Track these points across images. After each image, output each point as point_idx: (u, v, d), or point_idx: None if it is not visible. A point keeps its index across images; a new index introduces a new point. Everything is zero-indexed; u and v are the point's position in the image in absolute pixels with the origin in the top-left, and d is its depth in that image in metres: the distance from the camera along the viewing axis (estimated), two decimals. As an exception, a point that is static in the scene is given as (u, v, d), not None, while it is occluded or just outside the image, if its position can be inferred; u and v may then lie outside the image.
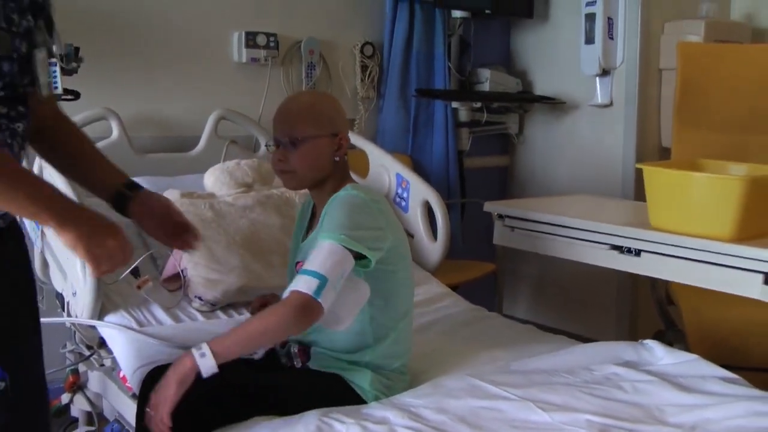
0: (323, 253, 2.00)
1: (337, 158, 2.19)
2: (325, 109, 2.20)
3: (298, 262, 2.22)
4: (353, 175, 2.31)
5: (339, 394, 2.13)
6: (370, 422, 1.95)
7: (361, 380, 2.16)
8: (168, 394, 1.91)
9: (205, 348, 1.92)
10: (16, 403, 1.56)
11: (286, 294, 2.00)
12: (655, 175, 2.51)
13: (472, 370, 2.30)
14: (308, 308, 1.96)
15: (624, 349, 2.45)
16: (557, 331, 2.83)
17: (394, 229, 2.18)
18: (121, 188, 2.02)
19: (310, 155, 2.16)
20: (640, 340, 2.50)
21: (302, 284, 1.96)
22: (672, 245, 2.37)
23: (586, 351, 2.46)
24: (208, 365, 1.90)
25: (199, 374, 1.91)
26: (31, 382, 1.73)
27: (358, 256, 2.05)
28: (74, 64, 2.59)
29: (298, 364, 2.23)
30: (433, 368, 2.36)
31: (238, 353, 1.98)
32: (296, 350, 2.24)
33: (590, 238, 2.58)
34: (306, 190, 2.31)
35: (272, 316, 1.98)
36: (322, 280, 1.95)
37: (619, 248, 2.50)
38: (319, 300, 1.95)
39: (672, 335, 3.28)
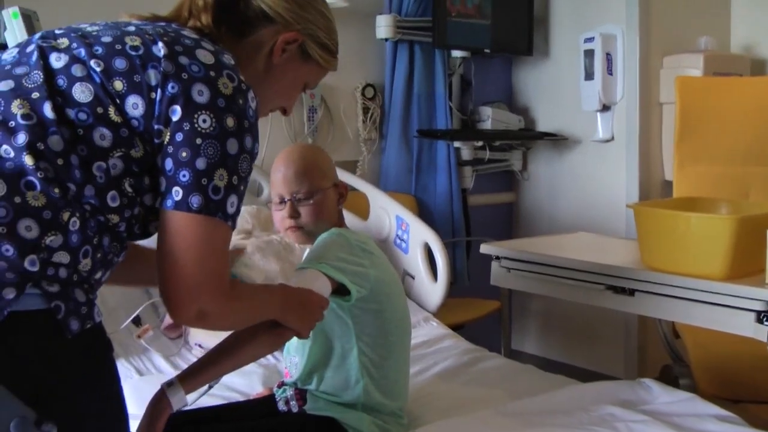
0: (300, 276, 1.98)
1: (340, 206, 2.28)
2: (325, 161, 2.28)
3: None
4: (354, 218, 2.35)
5: (334, 437, 2.14)
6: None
7: (358, 423, 2.16)
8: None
9: (175, 380, 1.82)
10: None
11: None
12: (645, 215, 2.51)
13: (469, 413, 2.31)
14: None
15: (621, 388, 2.45)
16: (566, 366, 2.84)
17: (380, 269, 2.19)
18: None
19: (322, 207, 2.22)
20: (638, 379, 2.50)
21: None
22: (664, 284, 2.37)
23: (584, 391, 2.47)
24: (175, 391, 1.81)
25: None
26: None
27: (337, 291, 2.05)
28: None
29: (294, 408, 2.24)
30: (431, 412, 2.37)
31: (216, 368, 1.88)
32: (293, 394, 2.26)
33: (586, 279, 2.58)
34: None
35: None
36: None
37: (613, 288, 2.50)
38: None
39: (679, 369, 3.26)
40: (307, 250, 2.38)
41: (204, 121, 1.40)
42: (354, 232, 2.23)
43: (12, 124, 1.34)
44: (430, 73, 4.16)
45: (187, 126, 1.40)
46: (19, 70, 1.42)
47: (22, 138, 1.33)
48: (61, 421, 1.33)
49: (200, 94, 1.41)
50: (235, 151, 1.43)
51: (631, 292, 2.46)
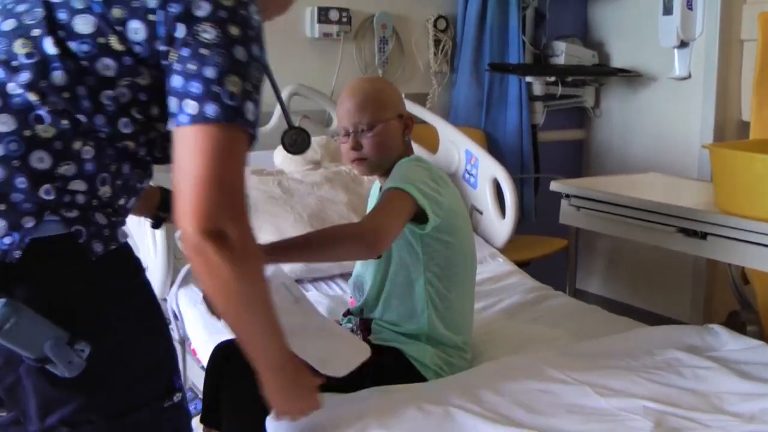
0: (388, 197, 2.06)
1: (407, 138, 2.26)
2: (389, 92, 2.27)
3: None
4: (423, 151, 2.31)
5: (399, 370, 2.15)
6: (427, 402, 1.97)
7: (421, 355, 2.18)
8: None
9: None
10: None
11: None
12: (721, 157, 2.45)
13: (533, 351, 2.30)
14: (377, 245, 2.01)
15: (689, 333, 2.42)
16: (631, 308, 2.80)
17: (454, 200, 2.21)
18: (156, 213, 2.04)
19: (384, 139, 2.21)
20: (705, 325, 2.47)
21: (366, 219, 2.06)
22: (738, 229, 2.32)
23: (650, 334, 2.44)
24: None
25: None
26: None
27: (414, 218, 2.09)
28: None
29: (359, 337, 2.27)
30: (495, 348, 2.37)
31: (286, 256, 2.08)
32: (357, 323, 2.28)
33: (656, 220, 2.53)
34: None
35: (343, 232, 2.10)
36: (383, 222, 2.02)
37: (685, 231, 2.46)
38: (388, 241, 2.02)
39: (746, 316, 3.22)
40: (376, 183, 2.38)
41: (207, 32, 1.37)
42: (423, 159, 2.24)
43: (15, 63, 1.37)
44: (503, 6, 4.07)
45: (191, 40, 1.37)
46: (21, 8, 1.43)
47: (25, 76, 1.36)
48: (94, 338, 1.37)
49: (200, 8, 1.38)
50: (243, 57, 1.39)
51: (704, 236, 2.42)
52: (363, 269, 2.31)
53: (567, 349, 2.32)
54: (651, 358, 2.23)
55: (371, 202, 2.44)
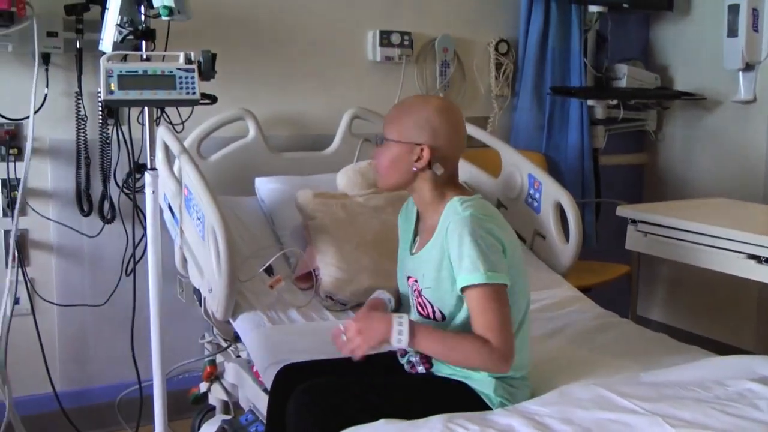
0: (484, 304, 2.06)
1: (414, 169, 2.17)
2: (418, 117, 2.16)
3: (409, 277, 2.25)
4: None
5: (463, 400, 2.13)
6: (495, 429, 1.93)
7: (486, 387, 2.16)
8: (372, 338, 2.06)
9: (405, 336, 2.04)
10: None
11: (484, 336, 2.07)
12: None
13: (599, 379, 2.26)
14: (505, 362, 2.07)
15: (760, 363, 2.35)
16: (693, 336, 2.75)
17: (511, 241, 2.16)
18: None
19: (386, 158, 2.20)
20: (778, 354, 2.41)
21: (495, 341, 2.05)
22: (813, 256, 2.27)
23: (720, 364, 2.38)
24: (401, 342, 2.04)
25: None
26: None
27: None
28: (212, 72, 2.69)
29: (421, 369, 2.25)
30: (560, 375, 2.34)
31: (427, 351, 2.13)
32: (418, 358, 2.25)
33: (726, 246, 2.49)
34: None
35: (476, 354, 2.06)
36: (505, 336, 2.06)
37: (756, 258, 2.41)
38: (511, 358, 2.07)
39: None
40: (410, 205, 2.36)
41: None
42: (477, 204, 2.14)
43: None
44: (565, 29, 4.06)
45: None
46: None
47: None
48: None
49: None
50: None
51: (775, 263, 2.37)
52: (415, 316, 2.28)
53: (634, 378, 2.28)
54: (723, 389, 2.17)
55: (405, 225, 2.38)
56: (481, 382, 2.16)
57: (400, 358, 2.31)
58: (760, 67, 3.95)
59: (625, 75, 4.23)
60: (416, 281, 2.22)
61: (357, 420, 2.01)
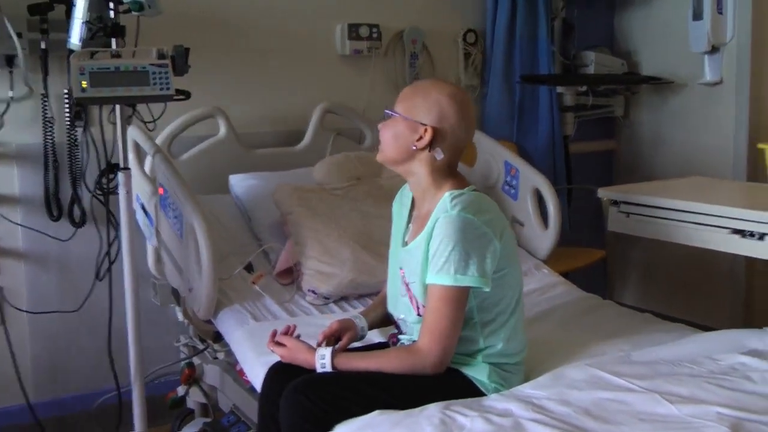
0: (439, 305, 2.06)
1: (413, 147, 2.14)
2: (427, 99, 2.15)
3: (401, 269, 2.23)
4: (460, 164, 2.21)
5: (458, 387, 2.11)
6: (494, 415, 1.92)
7: (480, 374, 2.14)
8: (299, 359, 2.16)
9: (328, 365, 2.11)
10: None
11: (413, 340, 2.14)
12: (781, 156, 2.41)
13: (592, 360, 2.26)
14: (433, 366, 2.08)
15: (748, 336, 2.37)
16: (667, 318, 2.75)
17: (502, 234, 2.13)
18: None
19: (389, 132, 2.18)
20: (765, 328, 2.41)
21: (426, 346, 2.07)
22: (799, 228, 2.27)
23: (709, 339, 2.39)
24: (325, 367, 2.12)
25: None
26: None
27: None
28: (186, 66, 2.65)
29: None
30: (551, 359, 2.32)
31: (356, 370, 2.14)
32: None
33: (710, 222, 2.49)
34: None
35: (396, 364, 2.10)
36: (444, 345, 2.07)
37: (740, 232, 2.41)
38: (442, 365, 2.09)
39: (792, 320, 3.16)
40: (405, 191, 2.34)
41: None
42: (472, 201, 2.11)
43: None
44: (532, 17, 4.06)
45: None
46: None
47: None
48: None
49: None
50: None
51: (761, 237, 2.37)
52: (400, 310, 2.27)
53: (625, 357, 2.28)
54: (715, 363, 2.18)
55: (399, 211, 2.37)
56: (475, 369, 2.15)
57: (392, 347, 2.28)
58: (726, 49, 3.98)
59: (592, 62, 4.24)
60: (404, 273, 2.21)
61: (352, 413, 2.00)
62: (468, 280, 2.04)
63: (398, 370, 2.08)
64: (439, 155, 2.15)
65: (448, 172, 2.19)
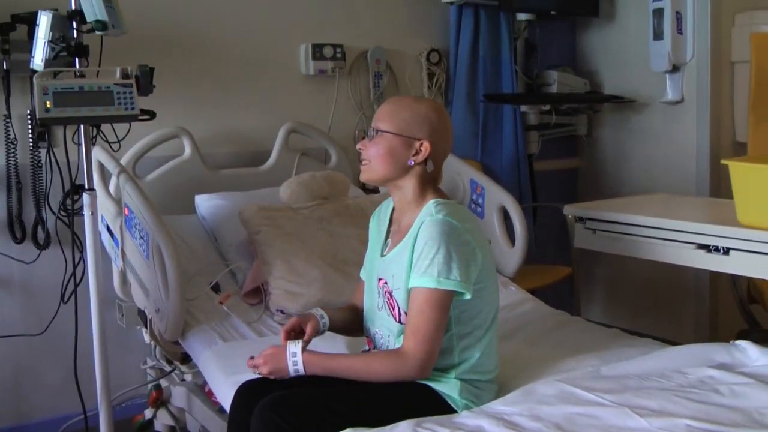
0: (423, 308, 2.06)
1: (411, 162, 2.16)
2: (416, 113, 2.16)
3: (380, 279, 2.22)
4: None
5: (428, 403, 2.11)
6: (464, 431, 1.92)
7: (451, 390, 2.14)
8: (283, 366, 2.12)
9: (300, 365, 2.09)
10: None
11: (395, 346, 2.14)
12: (743, 171, 2.44)
13: (561, 376, 2.26)
14: (418, 370, 2.08)
15: (716, 350, 2.38)
16: (633, 333, 2.77)
17: (482, 246, 2.15)
18: None
19: (381, 150, 2.17)
20: (731, 341, 2.44)
21: (411, 349, 2.07)
22: (763, 242, 2.30)
23: (677, 354, 2.40)
24: (298, 370, 2.11)
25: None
26: None
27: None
28: (150, 86, 2.63)
29: None
30: (521, 375, 2.33)
31: (327, 371, 2.13)
32: None
33: (675, 238, 2.51)
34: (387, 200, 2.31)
35: (379, 366, 2.11)
36: (428, 348, 2.06)
37: (706, 247, 2.44)
38: (426, 369, 2.09)
39: (756, 335, 3.20)
40: (387, 204, 2.33)
41: None
42: (455, 209, 2.15)
43: None
44: (495, 37, 4.10)
45: None
46: None
47: None
48: None
49: None
50: None
51: (726, 251, 2.40)
52: (377, 324, 2.26)
53: (595, 372, 2.28)
54: (684, 377, 2.19)
55: (377, 227, 2.36)
56: (446, 385, 2.14)
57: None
58: (686, 68, 4.04)
59: (555, 81, 4.27)
60: (386, 283, 2.19)
61: (324, 431, 1.98)
62: (452, 284, 2.05)
63: (382, 373, 2.08)
64: (431, 167, 2.18)
65: (433, 185, 2.23)
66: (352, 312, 2.41)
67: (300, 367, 2.09)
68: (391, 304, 2.18)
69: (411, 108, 2.18)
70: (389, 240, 2.28)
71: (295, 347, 2.11)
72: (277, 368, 2.12)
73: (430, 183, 2.22)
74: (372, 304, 2.28)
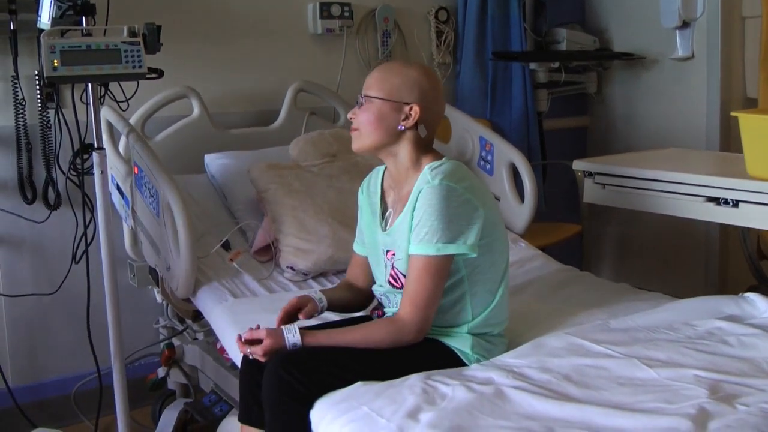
0: (421, 275, 2.06)
1: (401, 127, 2.15)
2: (405, 78, 2.15)
3: (388, 251, 2.21)
4: (435, 141, 2.23)
5: (440, 358, 2.12)
6: (475, 383, 1.93)
7: (462, 345, 2.15)
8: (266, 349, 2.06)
9: (298, 339, 2.07)
10: None
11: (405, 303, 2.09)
12: (754, 123, 2.43)
13: (571, 329, 2.27)
14: (413, 334, 2.09)
15: (724, 303, 2.39)
16: (645, 289, 2.78)
17: (485, 202, 2.14)
18: None
19: (371, 116, 2.16)
20: (740, 294, 2.44)
21: (409, 315, 2.07)
22: (773, 194, 2.29)
23: (686, 306, 2.41)
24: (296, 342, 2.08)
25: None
26: None
27: None
28: (158, 44, 2.63)
29: None
30: (531, 329, 2.33)
31: (327, 342, 2.11)
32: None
33: (685, 191, 2.51)
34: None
35: (377, 334, 2.10)
36: (425, 314, 2.08)
37: (715, 200, 2.43)
38: (423, 333, 2.09)
39: (766, 291, 3.19)
40: (378, 171, 2.33)
41: None
42: (452, 170, 2.11)
43: None
44: (503, -6, 4.07)
45: None
46: None
47: None
48: None
49: None
50: None
51: (736, 204, 2.39)
52: (390, 291, 2.25)
53: (604, 325, 2.30)
54: (692, 329, 2.21)
55: (369, 200, 2.35)
56: (459, 340, 2.15)
57: (375, 319, 2.29)
58: (696, 24, 4.00)
59: (564, 38, 4.24)
60: (394, 254, 2.19)
61: (335, 387, 1.99)
62: (451, 248, 2.05)
63: (380, 341, 2.08)
64: (423, 132, 2.16)
65: (427, 149, 2.21)
66: (348, 290, 2.41)
67: (298, 340, 2.06)
68: (393, 275, 2.19)
69: (400, 73, 2.17)
70: (390, 210, 2.27)
71: (290, 325, 2.10)
72: (275, 342, 2.06)
73: (424, 148, 2.20)
74: (381, 277, 2.27)
